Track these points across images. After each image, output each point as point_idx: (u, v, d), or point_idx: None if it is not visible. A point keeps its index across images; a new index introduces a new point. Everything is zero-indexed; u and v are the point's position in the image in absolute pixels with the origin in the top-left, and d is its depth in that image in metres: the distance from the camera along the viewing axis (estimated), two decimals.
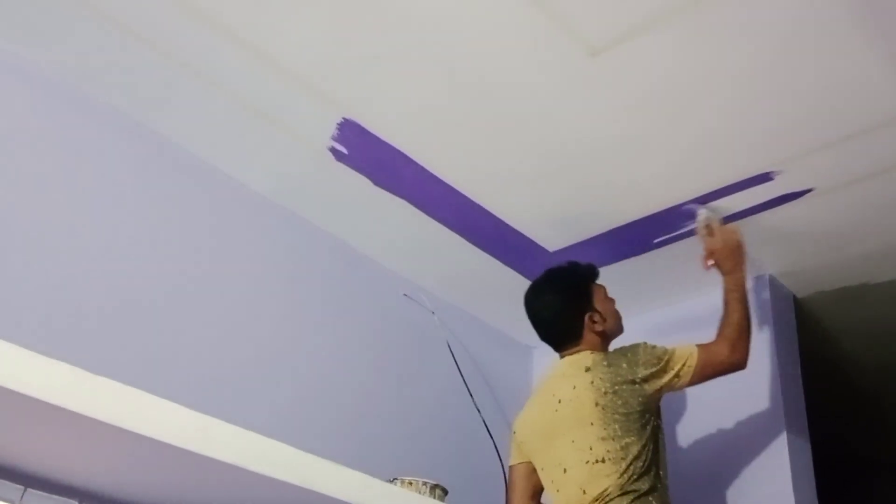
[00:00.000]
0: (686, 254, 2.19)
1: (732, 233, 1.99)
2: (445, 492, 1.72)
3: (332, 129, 1.92)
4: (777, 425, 2.12)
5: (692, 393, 2.15)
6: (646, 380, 1.76)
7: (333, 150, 1.98)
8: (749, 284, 1.99)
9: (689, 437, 2.25)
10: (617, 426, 1.73)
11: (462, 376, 2.36)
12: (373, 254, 2.37)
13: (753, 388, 2.15)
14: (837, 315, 2.57)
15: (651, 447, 1.74)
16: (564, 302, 1.94)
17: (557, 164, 1.98)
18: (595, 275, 2.00)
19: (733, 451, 2.15)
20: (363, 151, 1.98)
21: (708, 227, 2.01)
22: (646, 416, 1.76)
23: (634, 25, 1.57)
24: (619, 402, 1.74)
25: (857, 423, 3.32)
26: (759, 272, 2.32)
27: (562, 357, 1.94)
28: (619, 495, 1.68)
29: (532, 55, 1.67)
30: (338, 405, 2.13)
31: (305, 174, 2.08)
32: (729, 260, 1.95)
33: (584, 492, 1.71)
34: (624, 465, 1.70)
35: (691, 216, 2.07)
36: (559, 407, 1.82)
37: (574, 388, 1.80)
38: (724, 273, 1.94)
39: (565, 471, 1.77)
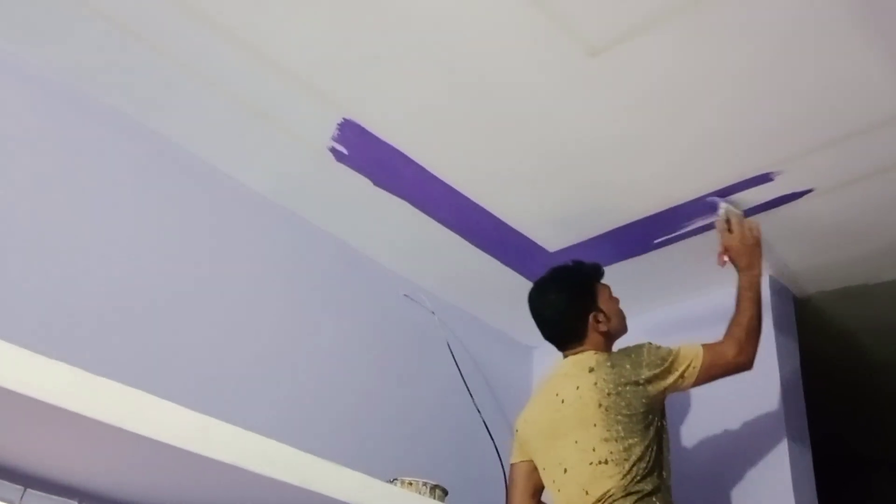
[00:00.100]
0: (686, 254, 2.20)
1: (751, 229, 1.94)
2: (445, 492, 1.72)
3: (332, 130, 1.92)
4: (777, 424, 2.12)
5: (692, 392, 2.15)
6: (650, 381, 1.74)
7: (333, 150, 1.98)
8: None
9: (689, 436, 2.25)
10: (620, 427, 1.71)
11: (462, 377, 2.36)
12: (373, 254, 2.37)
13: (754, 388, 2.14)
14: (838, 315, 2.56)
15: (654, 448, 1.73)
16: (569, 301, 1.92)
17: (557, 164, 1.98)
18: (600, 274, 1.98)
19: (733, 449, 2.15)
20: (363, 151, 1.98)
21: (728, 221, 1.96)
22: (649, 416, 1.75)
23: (634, 25, 1.57)
24: (623, 404, 1.72)
25: (856, 421, 3.32)
26: None
27: (565, 356, 1.92)
28: (622, 496, 1.66)
29: (532, 55, 1.67)
30: (338, 405, 2.13)
31: (305, 174, 2.08)
32: (745, 256, 1.91)
33: (587, 492, 1.70)
34: (627, 467, 1.68)
35: (713, 209, 2.02)
36: (562, 407, 1.80)
37: (577, 388, 1.78)
38: (740, 270, 1.90)
39: (566, 471, 1.76)
